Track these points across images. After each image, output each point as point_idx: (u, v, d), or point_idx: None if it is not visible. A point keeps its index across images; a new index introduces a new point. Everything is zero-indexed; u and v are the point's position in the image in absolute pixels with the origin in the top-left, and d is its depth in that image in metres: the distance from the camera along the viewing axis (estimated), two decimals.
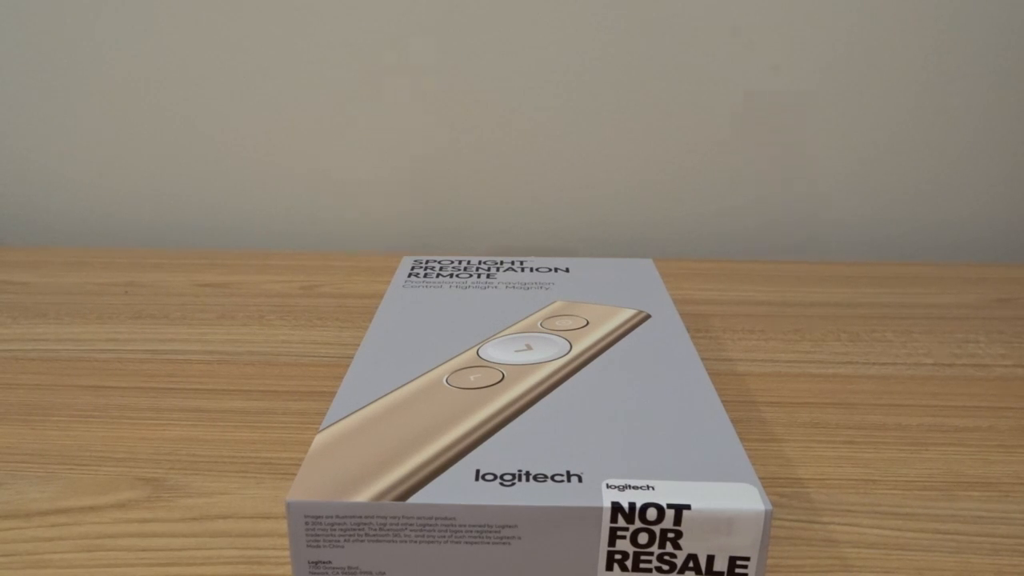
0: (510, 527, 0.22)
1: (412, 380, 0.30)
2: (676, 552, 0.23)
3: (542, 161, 0.63)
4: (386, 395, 0.28)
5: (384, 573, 0.23)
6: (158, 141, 0.64)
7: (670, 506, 0.22)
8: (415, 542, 0.23)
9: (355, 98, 0.62)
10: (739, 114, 0.61)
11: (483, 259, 0.44)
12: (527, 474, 0.24)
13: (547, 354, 0.32)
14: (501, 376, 0.30)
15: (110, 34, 0.61)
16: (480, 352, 0.32)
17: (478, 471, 0.24)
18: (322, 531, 0.23)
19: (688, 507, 0.22)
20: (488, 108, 0.62)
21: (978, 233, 0.64)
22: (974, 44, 0.59)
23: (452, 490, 0.23)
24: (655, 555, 0.23)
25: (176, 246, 0.67)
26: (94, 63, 0.62)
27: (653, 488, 0.23)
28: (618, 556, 0.23)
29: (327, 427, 0.26)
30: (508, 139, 0.63)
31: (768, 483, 0.32)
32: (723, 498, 0.22)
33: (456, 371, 0.30)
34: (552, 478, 0.23)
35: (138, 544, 0.28)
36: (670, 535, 0.22)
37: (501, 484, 0.23)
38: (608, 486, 0.23)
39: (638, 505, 0.22)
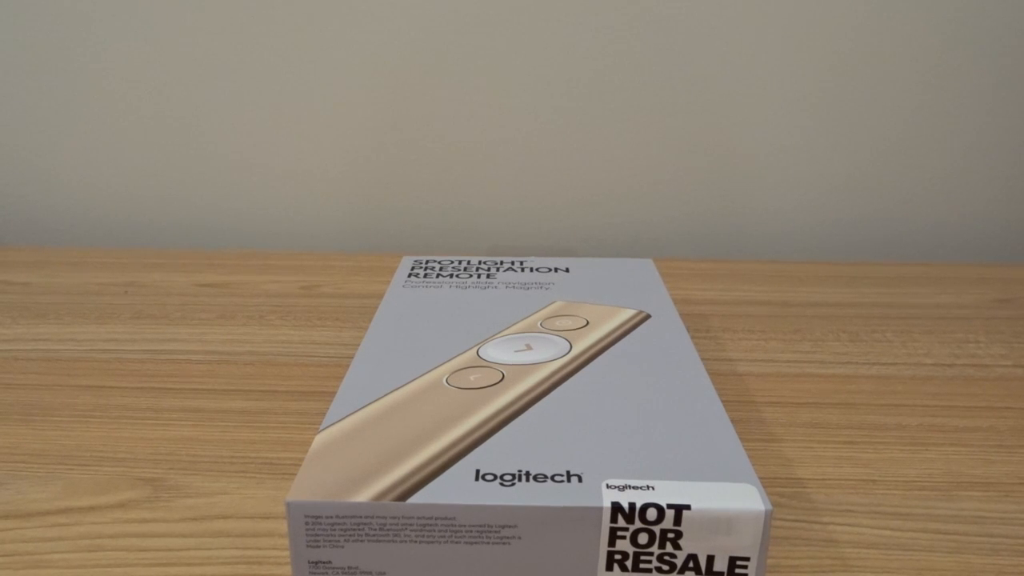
0: (510, 527, 0.22)
1: (412, 380, 0.30)
2: (676, 552, 0.23)
3: (542, 161, 0.63)
4: (386, 395, 0.28)
5: (384, 573, 0.23)
6: (158, 141, 0.64)
7: (670, 506, 0.22)
8: (415, 542, 0.23)
9: (356, 99, 0.62)
10: (739, 114, 0.61)
11: (483, 259, 0.44)
12: (527, 474, 0.24)
13: (547, 354, 0.32)
14: (501, 376, 0.30)
15: (110, 34, 0.61)
16: (480, 352, 0.32)
17: (478, 471, 0.24)
18: (322, 531, 0.23)
19: (688, 507, 0.22)
20: (488, 109, 0.62)
21: (978, 233, 0.64)
22: (974, 45, 0.59)
23: (452, 490, 0.23)
24: (655, 555, 0.23)
25: (176, 246, 0.67)
26: (94, 63, 0.62)
27: (653, 488, 0.23)
28: (618, 556, 0.23)
29: (327, 427, 0.26)
30: (508, 139, 0.63)
31: (768, 483, 0.32)
32: (723, 498, 0.22)
33: (456, 371, 0.30)
34: (552, 478, 0.23)
35: (138, 544, 0.28)
36: (670, 535, 0.22)
37: (501, 484, 0.23)
38: (608, 486, 0.23)
39: (638, 505, 0.22)
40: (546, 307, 0.37)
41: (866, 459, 0.33)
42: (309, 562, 0.23)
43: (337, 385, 0.40)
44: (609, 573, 0.23)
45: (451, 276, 0.41)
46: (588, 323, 0.35)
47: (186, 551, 0.28)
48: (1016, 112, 0.61)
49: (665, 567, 0.23)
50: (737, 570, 0.23)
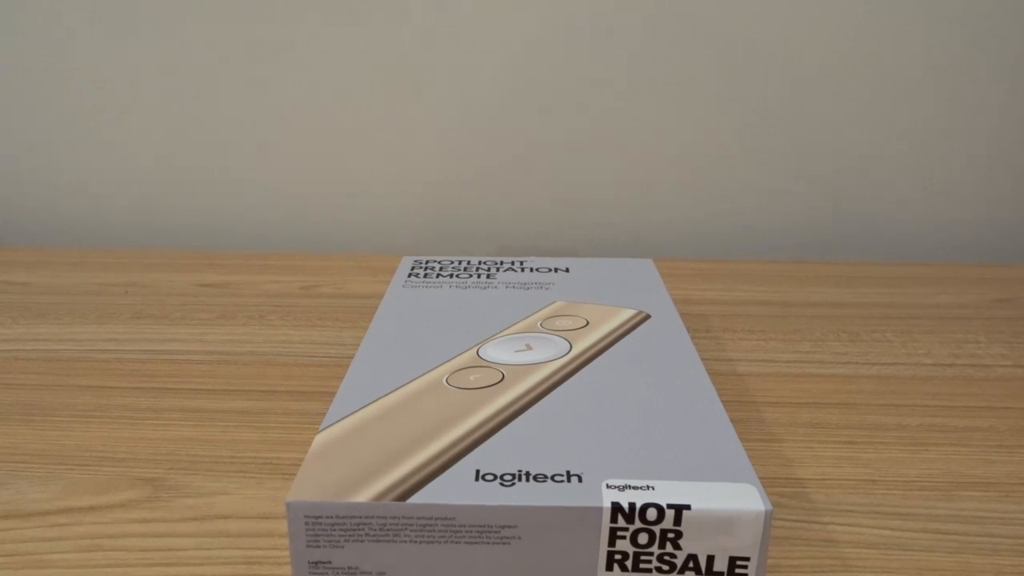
0: (510, 527, 0.22)
1: (412, 380, 0.30)
2: (676, 552, 0.23)
3: (543, 161, 0.63)
4: (386, 395, 0.28)
5: (384, 573, 0.23)
6: (158, 141, 0.64)
7: (670, 506, 0.22)
8: (415, 542, 0.23)
9: (355, 99, 0.62)
10: (739, 114, 0.61)
11: (483, 259, 0.44)
12: (527, 474, 0.24)
13: (547, 354, 0.32)
14: (501, 376, 0.30)
15: (110, 34, 0.61)
16: (480, 352, 0.32)
17: (478, 471, 0.24)
18: (322, 531, 0.23)
19: (688, 507, 0.22)
20: (489, 110, 0.62)
21: (978, 233, 0.64)
22: (975, 44, 0.59)
23: (452, 490, 0.23)
24: (655, 555, 0.23)
25: (176, 246, 0.67)
26: (94, 64, 0.62)
27: (653, 488, 0.23)
28: (618, 556, 0.23)
29: (327, 427, 0.26)
30: (508, 140, 0.63)
31: (768, 483, 0.32)
32: (723, 498, 0.22)
33: (456, 371, 0.30)
34: (552, 478, 0.23)
35: (138, 544, 0.28)
36: (670, 535, 0.22)
37: (501, 484, 0.23)
38: (608, 486, 0.23)
39: (638, 505, 0.22)
40: (546, 307, 0.37)
41: (866, 459, 0.33)
42: (309, 562, 0.23)
43: (337, 385, 0.40)
44: (609, 573, 0.23)
45: (451, 276, 0.41)
46: (588, 323, 0.35)
47: (186, 551, 0.28)
48: (1016, 112, 0.61)
49: (665, 567, 0.23)
50: (737, 570, 0.23)
